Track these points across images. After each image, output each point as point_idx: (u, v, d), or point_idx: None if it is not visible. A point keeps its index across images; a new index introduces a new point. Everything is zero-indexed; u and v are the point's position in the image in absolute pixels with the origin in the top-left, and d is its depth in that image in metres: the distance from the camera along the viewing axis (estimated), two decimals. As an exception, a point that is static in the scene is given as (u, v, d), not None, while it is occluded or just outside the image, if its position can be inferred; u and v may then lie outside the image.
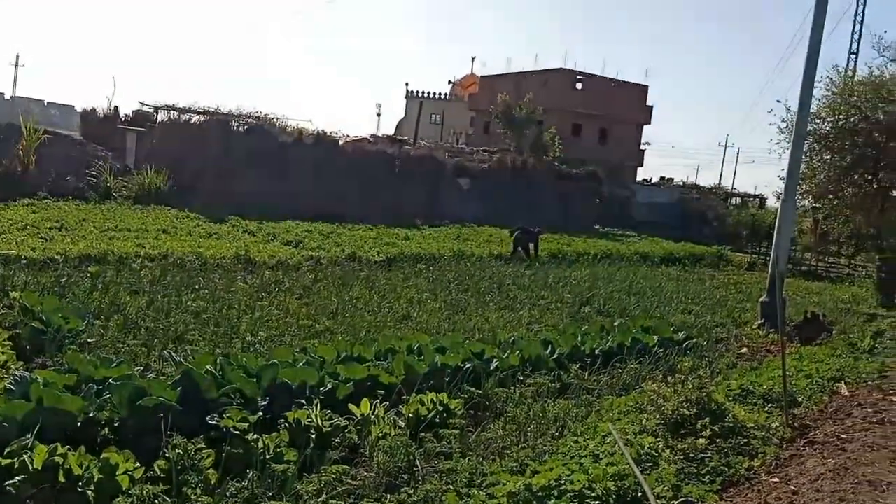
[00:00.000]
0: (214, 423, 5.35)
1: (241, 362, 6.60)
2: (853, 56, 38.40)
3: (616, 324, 10.96)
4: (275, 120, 28.34)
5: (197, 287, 11.25)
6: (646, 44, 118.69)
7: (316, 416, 5.62)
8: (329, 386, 6.44)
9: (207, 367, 6.22)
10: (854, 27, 40.05)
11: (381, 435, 5.61)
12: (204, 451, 4.75)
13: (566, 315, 12.54)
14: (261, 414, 5.70)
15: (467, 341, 8.69)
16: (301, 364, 6.73)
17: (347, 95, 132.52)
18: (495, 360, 7.99)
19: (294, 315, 10.11)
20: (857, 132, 18.46)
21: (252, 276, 12.99)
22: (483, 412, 6.78)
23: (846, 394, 7.84)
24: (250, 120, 27.49)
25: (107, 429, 5.25)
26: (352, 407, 6.06)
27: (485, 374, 7.55)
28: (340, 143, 29.13)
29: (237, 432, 5.17)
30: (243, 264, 14.08)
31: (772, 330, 12.07)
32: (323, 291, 12.23)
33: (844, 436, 6.04)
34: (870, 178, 19.01)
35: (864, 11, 40.18)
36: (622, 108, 51.03)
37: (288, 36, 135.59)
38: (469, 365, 7.59)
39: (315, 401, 5.95)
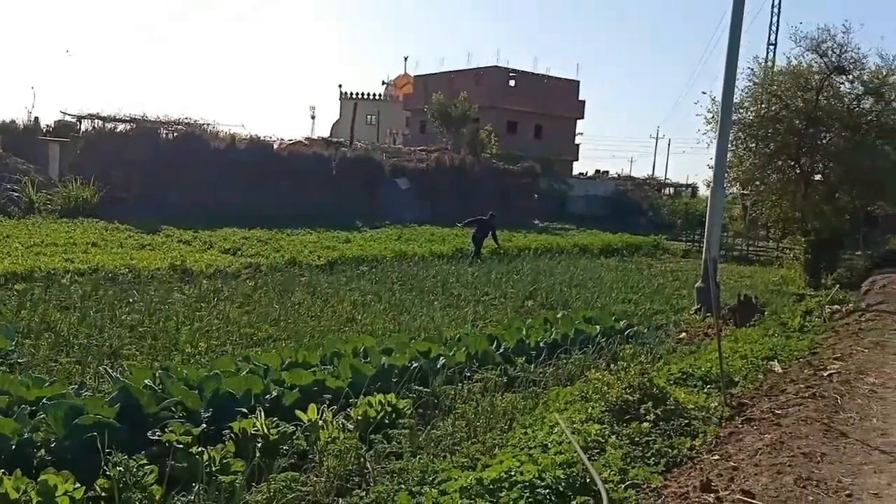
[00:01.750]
0: (156, 437, 5.22)
1: (181, 375, 6.45)
2: (772, 47, 39.92)
3: (559, 316, 11.10)
4: (205, 126, 27.78)
5: (131, 300, 10.95)
6: (577, 41, 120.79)
7: (262, 425, 5.54)
8: (274, 393, 6.35)
9: (146, 381, 6.06)
10: (772, 19, 41.58)
11: (329, 439, 5.56)
12: (147, 467, 4.62)
13: (510, 310, 12.65)
14: (204, 426, 5.57)
15: (413, 341, 8.67)
16: (244, 373, 6.62)
17: (281, 99, 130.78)
18: (442, 357, 8.01)
19: (235, 324, 9.93)
20: (779, 120, 19.07)
21: (189, 286, 12.69)
22: (432, 410, 6.79)
23: (779, 371, 8.12)
24: (180, 127, 26.86)
25: (43, 450, 5.06)
26: (299, 413, 5.98)
27: (432, 372, 7.56)
28: (275, 146, 28.75)
29: (181, 446, 5.05)
30: (180, 275, 13.76)
31: (708, 314, 12.41)
32: (264, 298, 12.05)
33: (779, 411, 6.26)
34: (792, 163, 19.68)
35: (780, 4, 41.75)
36: (555, 103, 51.76)
37: (219, 38, 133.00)
38: (416, 364, 7.57)
39: (260, 409, 5.86)
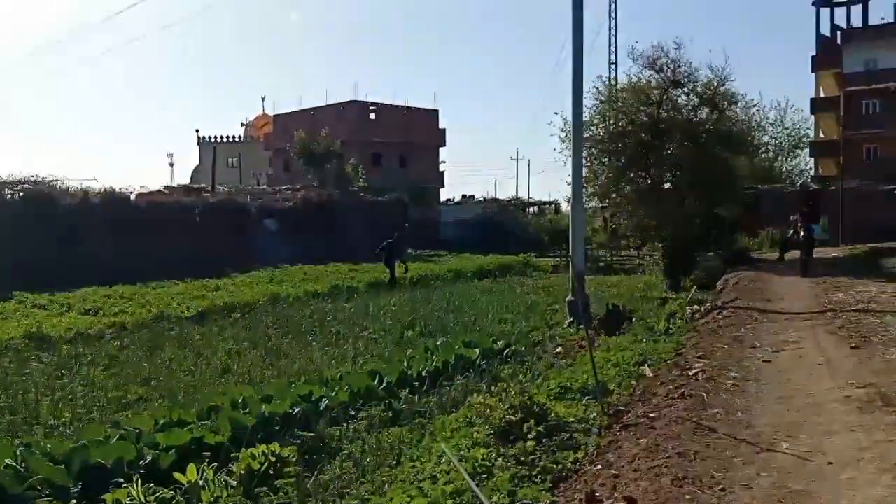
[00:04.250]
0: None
1: (45, 449, 6.04)
2: (614, 66, 42.40)
3: (439, 343, 11.21)
4: (54, 182, 26.11)
5: (-18, 376, 10.08)
6: (433, 71, 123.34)
7: (138, 493, 5.23)
8: (150, 458, 6.03)
9: (7, 460, 5.63)
10: (610, 40, 44.24)
11: (212, 500, 5.32)
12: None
13: (390, 342, 12.62)
14: (74, 502, 5.24)
15: (294, 385, 8.49)
16: (115, 440, 6.26)
17: (137, 148, 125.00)
18: (324, 399, 7.88)
19: (101, 388, 9.36)
20: (627, 134, 20.21)
21: (48, 353, 11.84)
22: (319, 454, 6.65)
23: (650, 375, 8.54)
24: (26, 185, 25.12)
25: None
26: (177, 476, 5.69)
27: (315, 415, 7.41)
28: (132, 198, 27.44)
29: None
30: (37, 343, 12.82)
31: (580, 326, 12.87)
32: (132, 358, 11.44)
33: (652, 414, 6.57)
34: (643, 174, 20.86)
35: (616, 26, 44.54)
36: (417, 133, 52.54)
37: (68, 90, 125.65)
38: (298, 409, 7.42)
39: (136, 476, 5.54)
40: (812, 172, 47.81)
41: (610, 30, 44.36)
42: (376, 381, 8.85)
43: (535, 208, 53.34)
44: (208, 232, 27.05)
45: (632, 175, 20.96)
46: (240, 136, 66.53)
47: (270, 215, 30.89)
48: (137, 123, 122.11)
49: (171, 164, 69.69)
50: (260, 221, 30.12)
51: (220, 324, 14.78)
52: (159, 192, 31.65)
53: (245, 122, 68.17)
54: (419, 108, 54.27)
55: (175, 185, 41.69)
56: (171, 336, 13.31)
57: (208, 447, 6.41)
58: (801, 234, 17.07)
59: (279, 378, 9.51)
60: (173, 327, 14.34)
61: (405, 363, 9.68)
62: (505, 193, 60.42)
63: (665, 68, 20.19)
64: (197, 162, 64.83)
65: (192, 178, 57.85)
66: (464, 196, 58.23)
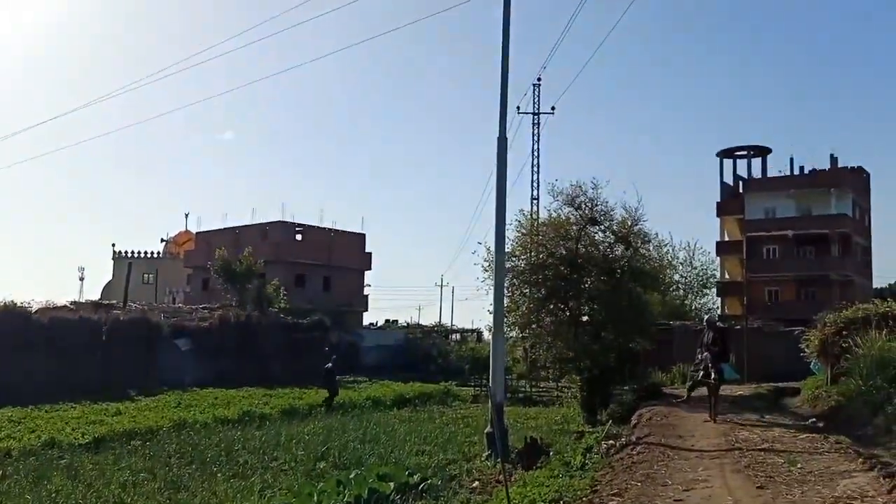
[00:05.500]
0: None
1: None
2: (535, 201, 44.08)
3: (352, 476, 10.76)
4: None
5: None
6: (361, 195, 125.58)
7: None
8: None
9: None
10: (533, 177, 46.24)
11: None
12: None
13: (301, 474, 12.07)
14: None
15: (191, 523, 7.92)
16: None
17: (46, 261, 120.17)
18: (224, 539, 7.36)
19: (-27, 526, 8.50)
20: (547, 267, 20.77)
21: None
22: None
23: (566, 514, 8.35)
24: None
25: None
26: None
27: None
28: (33, 313, 26.08)
29: None
30: None
31: (498, 460, 12.62)
32: (14, 489, 10.53)
33: (568, 556, 6.37)
34: (562, 306, 21.31)
35: (539, 163, 46.73)
36: (343, 255, 52.72)
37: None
38: (194, 550, 6.88)
39: None
40: (719, 311, 50.00)
41: (532, 167, 46.50)
42: (282, 518, 8.37)
43: (458, 335, 53.50)
44: (114, 351, 25.82)
45: (551, 306, 21.38)
46: (159, 252, 65.19)
47: (184, 334, 29.84)
48: (48, 236, 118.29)
49: (82, 279, 67.15)
50: (172, 341, 29.00)
51: (117, 452, 13.89)
52: (64, 307, 30.25)
53: (166, 238, 67.06)
54: (345, 231, 54.74)
55: (83, 300, 40.09)
56: (61, 465, 12.37)
57: None
58: (712, 375, 14.86)
59: (176, 514, 8.88)
60: (63, 455, 13.35)
61: (315, 498, 9.23)
62: (428, 320, 60.65)
63: (583, 206, 21.11)
64: (110, 277, 62.82)
65: (102, 294, 55.77)
66: (387, 321, 58.10)
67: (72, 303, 34.01)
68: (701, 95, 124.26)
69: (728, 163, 57.45)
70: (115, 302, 35.91)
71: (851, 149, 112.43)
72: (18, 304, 25.45)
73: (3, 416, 17.66)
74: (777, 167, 55.97)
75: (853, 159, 65.78)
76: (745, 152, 56.89)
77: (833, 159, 53.40)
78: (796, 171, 54.19)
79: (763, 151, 56.60)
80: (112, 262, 63.70)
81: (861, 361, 15.85)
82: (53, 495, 10.11)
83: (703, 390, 15.90)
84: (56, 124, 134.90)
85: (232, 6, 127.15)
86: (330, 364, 24.58)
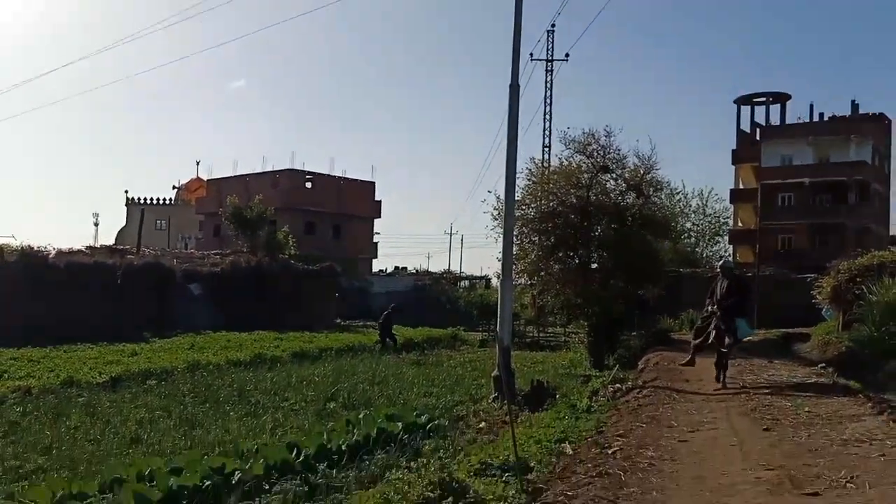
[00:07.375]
0: None
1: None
2: (546, 149, 43.76)
3: (361, 416, 10.98)
4: (-36, 239, 24.97)
5: None
6: (371, 142, 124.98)
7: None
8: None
9: None
10: (545, 125, 45.83)
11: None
12: None
13: (311, 414, 12.32)
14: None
15: (207, 457, 8.15)
16: (5, 514, 5.85)
17: (62, 206, 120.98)
18: (238, 472, 7.58)
19: (-3, 456, 8.79)
20: (557, 215, 20.72)
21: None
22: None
23: (570, 453, 8.52)
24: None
25: None
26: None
27: (226, 489, 7.11)
28: (51, 257, 26.39)
29: None
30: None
31: (505, 402, 12.83)
32: (34, 425, 10.82)
33: (570, 493, 6.54)
34: (571, 254, 21.34)
35: (551, 111, 46.26)
36: (353, 204, 52.77)
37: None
38: (209, 482, 7.10)
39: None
40: (731, 259, 49.88)
41: (545, 115, 46.02)
42: (294, 454, 8.59)
43: (467, 282, 53.73)
44: (129, 295, 26.15)
45: (560, 254, 21.40)
46: (171, 199, 65.43)
47: (196, 280, 30.13)
48: (64, 183, 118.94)
49: (97, 225, 68.17)
50: (185, 286, 29.32)
51: (133, 391, 14.18)
52: (80, 251, 30.54)
53: (178, 185, 67.25)
54: (356, 179, 54.66)
55: (98, 245, 40.43)
56: (79, 403, 12.68)
57: (108, 522, 6.06)
58: (725, 339, 12.59)
59: (192, 449, 9.13)
60: (82, 393, 13.67)
61: (325, 436, 9.44)
62: (438, 267, 60.84)
63: (595, 154, 20.97)
64: (124, 223, 63.27)
65: (117, 240, 56.20)
66: (396, 268, 58.37)
67: (87, 248, 34.30)
68: (719, 41, 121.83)
69: (746, 110, 56.49)
70: (128, 247, 36.23)
71: (874, 94, 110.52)
72: (36, 249, 25.77)
73: (23, 355, 18.05)
74: (797, 114, 55.01)
75: (876, 105, 64.62)
76: (763, 99, 55.80)
77: (854, 106, 52.35)
78: (816, 118, 53.19)
79: (782, 98, 55.24)
80: (125, 208, 64.06)
81: (874, 308, 15.87)
82: (73, 431, 10.41)
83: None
84: (72, 70, 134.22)
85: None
86: (388, 312, 25.52)
